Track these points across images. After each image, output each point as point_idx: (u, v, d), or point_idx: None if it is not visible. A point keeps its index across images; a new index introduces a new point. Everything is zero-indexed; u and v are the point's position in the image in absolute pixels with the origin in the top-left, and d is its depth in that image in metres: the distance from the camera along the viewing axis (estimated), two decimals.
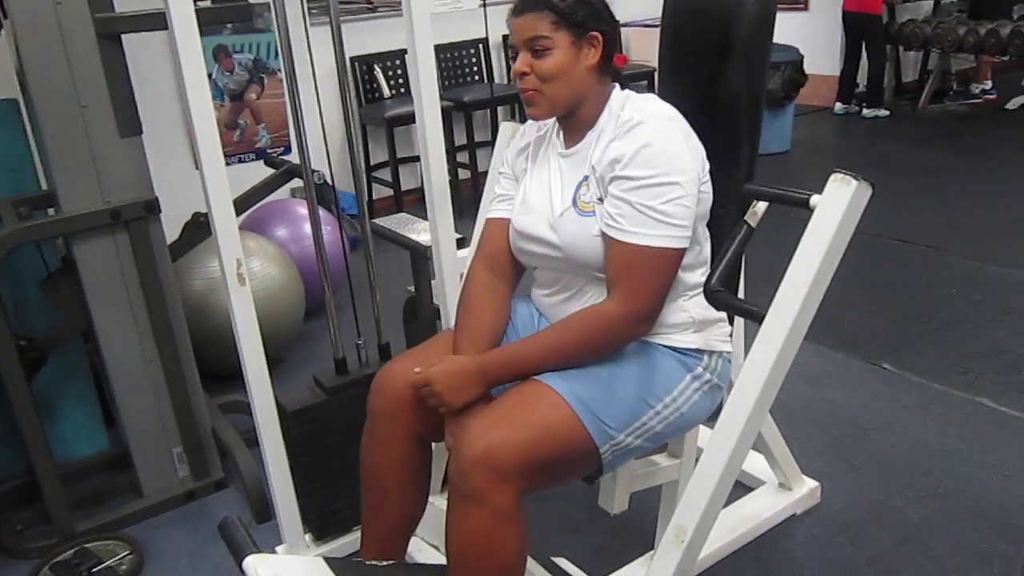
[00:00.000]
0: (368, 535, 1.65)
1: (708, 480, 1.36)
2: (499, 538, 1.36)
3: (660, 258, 1.41)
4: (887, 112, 6.26)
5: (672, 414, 1.50)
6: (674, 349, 1.53)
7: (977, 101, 6.54)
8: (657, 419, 1.48)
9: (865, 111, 6.27)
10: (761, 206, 1.47)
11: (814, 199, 1.30)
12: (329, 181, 2.23)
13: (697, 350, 1.54)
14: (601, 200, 1.47)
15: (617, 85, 1.56)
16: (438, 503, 1.88)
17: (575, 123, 1.55)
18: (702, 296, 1.51)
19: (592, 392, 1.42)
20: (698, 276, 1.54)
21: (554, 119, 1.60)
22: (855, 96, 6.37)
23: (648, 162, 1.39)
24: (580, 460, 1.45)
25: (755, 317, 1.35)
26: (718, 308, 1.45)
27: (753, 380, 1.33)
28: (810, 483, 2.16)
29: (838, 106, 6.40)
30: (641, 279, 1.41)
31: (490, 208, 1.70)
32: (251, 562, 1.56)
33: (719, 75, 1.62)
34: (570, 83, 1.48)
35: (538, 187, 1.60)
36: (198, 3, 1.65)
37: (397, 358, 1.65)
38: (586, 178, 1.50)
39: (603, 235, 1.44)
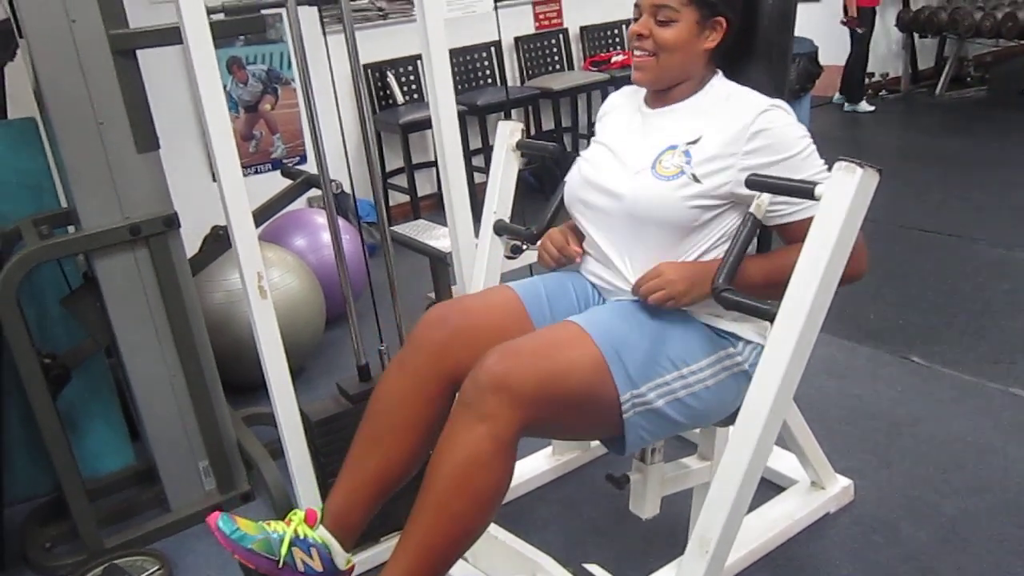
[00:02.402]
0: (341, 484, 1.56)
1: (729, 487, 1.32)
2: (492, 464, 1.34)
3: None
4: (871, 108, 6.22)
5: (697, 383, 1.49)
6: (712, 328, 1.54)
7: None
8: (680, 383, 1.47)
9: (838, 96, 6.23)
10: (766, 197, 1.43)
11: (819, 188, 1.26)
12: (347, 190, 2.23)
13: (734, 335, 1.54)
14: (685, 172, 1.49)
15: (719, 72, 1.60)
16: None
17: (668, 95, 1.59)
18: None
19: (621, 337, 1.43)
20: None
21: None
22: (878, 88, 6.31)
23: (796, 136, 1.47)
24: (599, 406, 1.43)
25: (766, 315, 1.31)
26: (727, 307, 1.40)
27: (769, 381, 1.29)
28: (843, 481, 2.12)
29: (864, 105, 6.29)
30: None
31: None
32: None
33: (741, 69, 1.60)
34: (684, 59, 1.54)
35: (616, 142, 1.63)
36: (212, 16, 1.64)
37: (453, 300, 1.66)
38: (674, 147, 1.52)
39: (793, 223, 1.47)
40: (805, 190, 1.30)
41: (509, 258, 1.95)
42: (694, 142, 1.50)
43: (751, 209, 1.42)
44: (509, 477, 1.39)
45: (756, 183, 1.40)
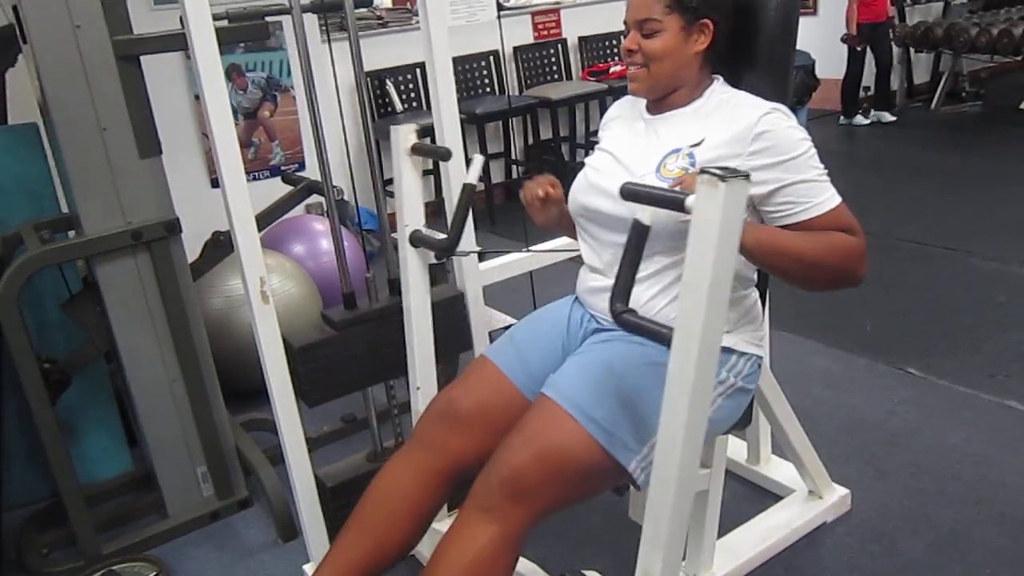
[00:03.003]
0: (327, 566, 1.56)
1: (660, 522, 1.27)
2: (498, 562, 1.37)
3: (846, 211, 1.47)
4: (893, 118, 6.22)
5: None
6: None
7: None
8: None
9: (873, 113, 6.24)
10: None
11: (689, 201, 1.16)
12: (347, 197, 2.23)
13: (726, 348, 1.53)
14: (688, 174, 1.47)
15: (720, 77, 1.61)
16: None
17: (668, 101, 1.60)
18: (743, 298, 1.55)
19: (607, 411, 1.41)
20: (745, 274, 1.56)
21: None
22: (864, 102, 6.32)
23: (797, 139, 1.47)
24: (608, 476, 1.45)
25: (663, 339, 1.22)
26: (627, 330, 1.29)
27: (678, 406, 1.21)
28: (840, 490, 2.13)
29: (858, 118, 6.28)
30: (855, 227, 1.46)
31: None
32: None
33: (743, 79, 1.61)
34: (674, 65, 1.55)
35: (619, 147, 1.64)
36: (216, 23, 1.65)
37: (447, 388, 1.68)
38: (677, 150, 1.53)
39: (805, 223, 1.45)
40: (675, 201, 1.18)
41: (438, 260, 1.90)
42: (697, 144, 1.51)
43: (637, 215, 1.26)
44: (513, 569, 1.42)
45: (629, 192, 1.26)
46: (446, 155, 1.75)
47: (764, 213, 1.50)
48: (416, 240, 1.84)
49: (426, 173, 4.74)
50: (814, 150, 1.48)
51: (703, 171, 1.10)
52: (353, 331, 1.93)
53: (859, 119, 6.21)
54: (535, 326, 1.72)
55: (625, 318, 1.25)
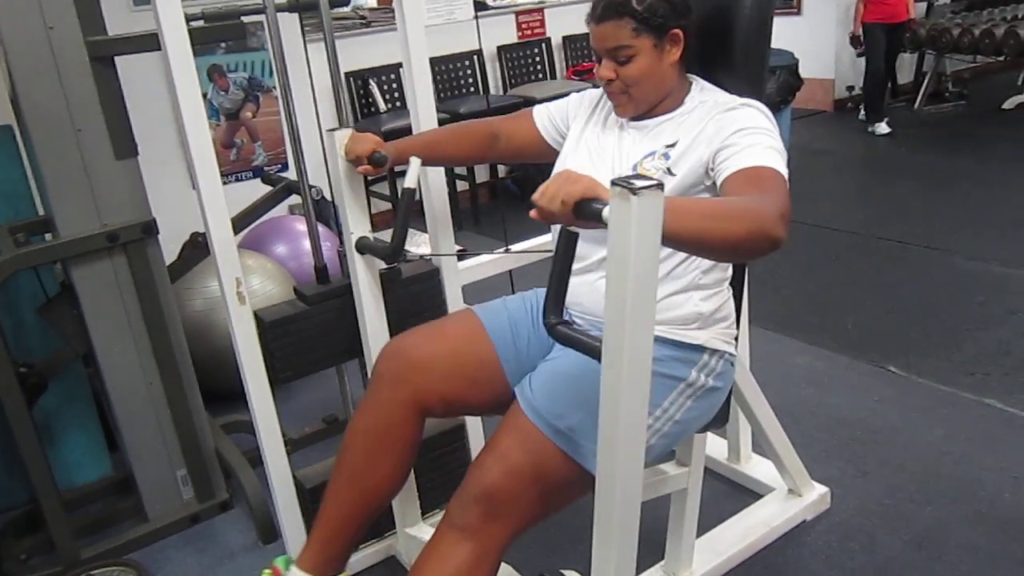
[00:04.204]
0: (322, 522, 1.60)
1: (609, 535, 1.26)
2: None
3: (783, 180, 1.35)
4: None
5: (665, 424, 1.49)
6: (674, 343, 1.51)
7: None
8: (650, 432, 1.46)
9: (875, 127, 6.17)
10: None
11: (605, 212, 1.09)
12: (327, 196, 2.22)
13: (698, 346, 1.53)
14: (661, 171, 1.48)
15: (697, 79, 1.61)
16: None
17: (652, 110, 1.59)
18: (715, 294, 1.55)
19: (573, 421, 1.40)
20: (718, 272, 1.55)
21: None
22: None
23: (762, 122, 1.45)
24: (580, 485, 1.44)
25: (594, 352, 1.17)
26: (560, 342, 1.24)
27: (610, 418, 1.19)
28: (820, 488, 2.14)
29: (881, 127, 5.95)
30: (775, 185, 1.32)
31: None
32: None
33: (719, 78, 1.61)
34: (655, 82, 1.54)
35: (601, 147, 1.64)
36: (191, 23, 1.64)
37: (410, 331, 1.68)
38: (652, 153, 1.53)
39: (724, 182, 1.38)
40: (594, 212, 1.11)
41: (388, 265, 1.89)
42: (672, 145, 1.52)
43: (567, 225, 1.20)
44: None
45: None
46: (380, 160, 1.69)
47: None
48: (362, 247, 1.82)
49: (401, 174, 4.73)
50: (775, 132, 1.44)
51: (614, 183, 1.04)
52: (325, 305, 1.91)
53: (881, 127, 5.94)
54: (530, 302, 1.71)
55: (559, 330, 1.21)
